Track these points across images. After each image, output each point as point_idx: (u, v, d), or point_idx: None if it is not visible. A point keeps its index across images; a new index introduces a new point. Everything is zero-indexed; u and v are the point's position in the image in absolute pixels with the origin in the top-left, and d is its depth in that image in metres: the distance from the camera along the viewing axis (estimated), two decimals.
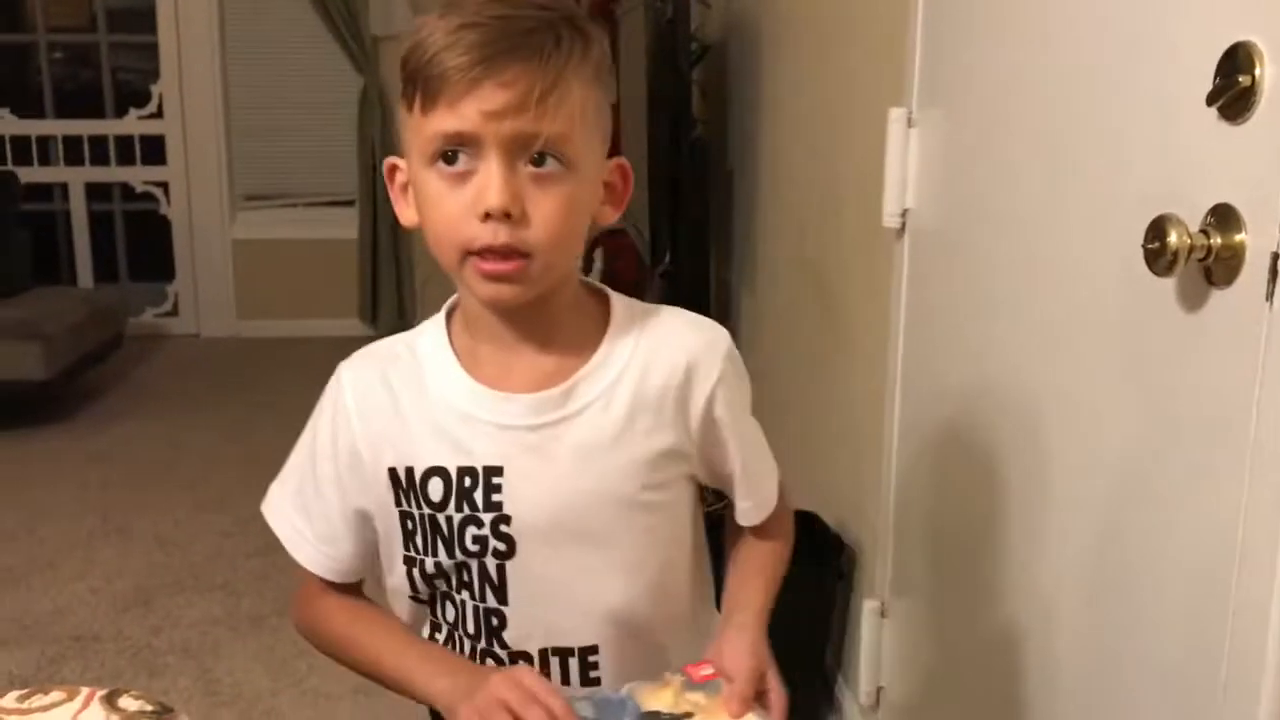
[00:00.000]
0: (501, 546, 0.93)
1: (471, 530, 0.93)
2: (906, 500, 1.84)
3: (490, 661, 0.96)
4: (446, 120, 0.84)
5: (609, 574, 0.95)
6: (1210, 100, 0.97)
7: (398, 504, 0.95)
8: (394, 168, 0.96)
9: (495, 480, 0.92)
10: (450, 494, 0.93)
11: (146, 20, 4.91)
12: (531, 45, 0.83)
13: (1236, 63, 0.94)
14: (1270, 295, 0.91)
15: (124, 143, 5.03)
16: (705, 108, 3.54)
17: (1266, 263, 0.91)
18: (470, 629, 0.97)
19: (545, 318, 0.93)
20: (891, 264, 1.83)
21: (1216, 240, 0.96)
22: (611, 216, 0.95)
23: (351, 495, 0.97)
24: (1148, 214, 1.01)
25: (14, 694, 0.61)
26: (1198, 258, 0.98)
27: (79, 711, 0.60)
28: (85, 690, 0.62)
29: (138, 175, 5.07)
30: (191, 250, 5.07)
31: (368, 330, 5.03)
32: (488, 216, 0.84)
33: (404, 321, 5.04)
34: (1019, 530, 1.41)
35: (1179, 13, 1.06)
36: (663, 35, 3.20)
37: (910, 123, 1.75)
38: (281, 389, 4.37)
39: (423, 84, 0.85)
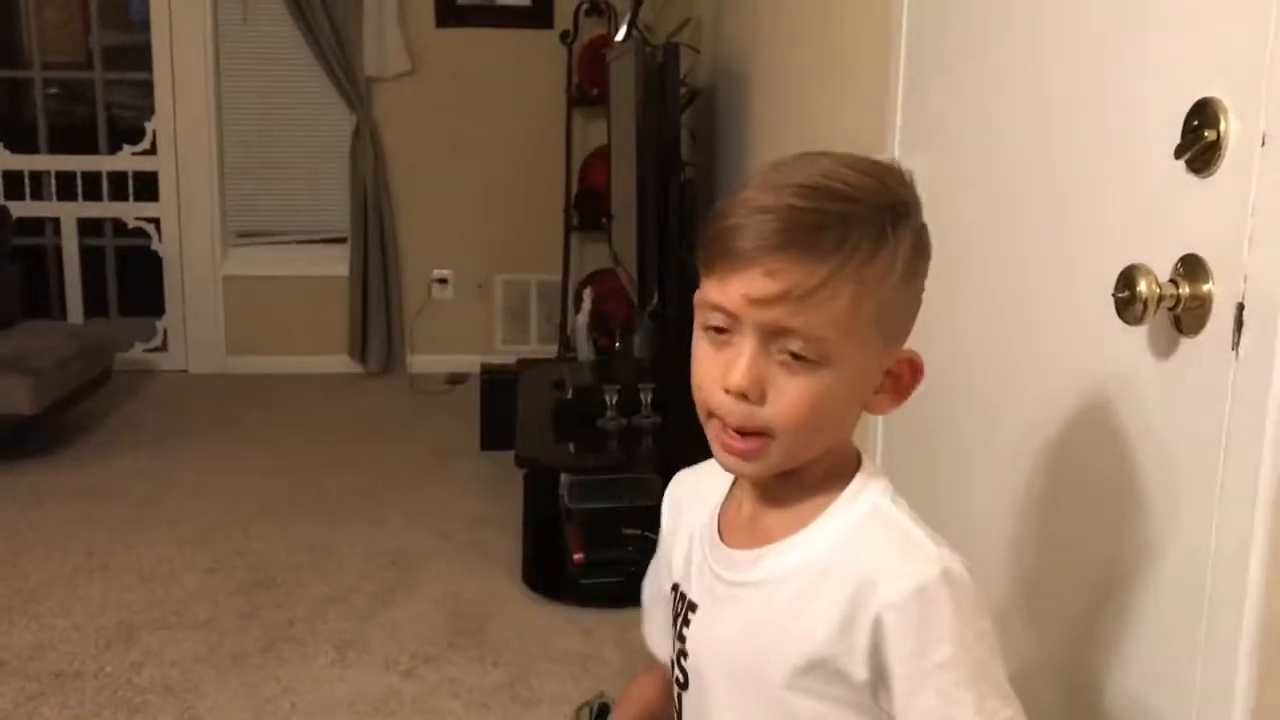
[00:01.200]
0: (681, 677, 1.00)
1: (678, 645, 1.02)
2: None
3: None
4: (716, 293, 0.88)
5: None
6: (1178, 153, 1.00)
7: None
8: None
9: (689, 615, 0.99)
10: (678, 611, 1.02)
11: (142, 57, 4.94)
12: (810, 242, 0.84)
13: (1203, 117, 0.97)
14: (1236, 345, 0.93)
15: (117, 179, 5.05)
16: (694, 151, 3.58)
17: (1232, 313, 0.94)
18: None
19: (789, 487, 0.94)
20: None
21: (1185, 290, 0.99)
22: (888, 407, 0.94)
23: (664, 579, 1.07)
24: (1118, 264, 1.03)
25: None
26: (1167, 307, 1.00)
27: None
28: None
29: (130, 211, 5.08)
30: (182, 286, 5.07)
31: (356, 367, 5.04)
32: (729, 391, 0.88)
33: (392, 358, 5.05)
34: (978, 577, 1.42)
35: (1149, 67, 1.08)
36: (652, 80, 3.24)
37: None
38: (269, 426, 4.37)
39: (708, 253, 0.89)
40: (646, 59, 3.08)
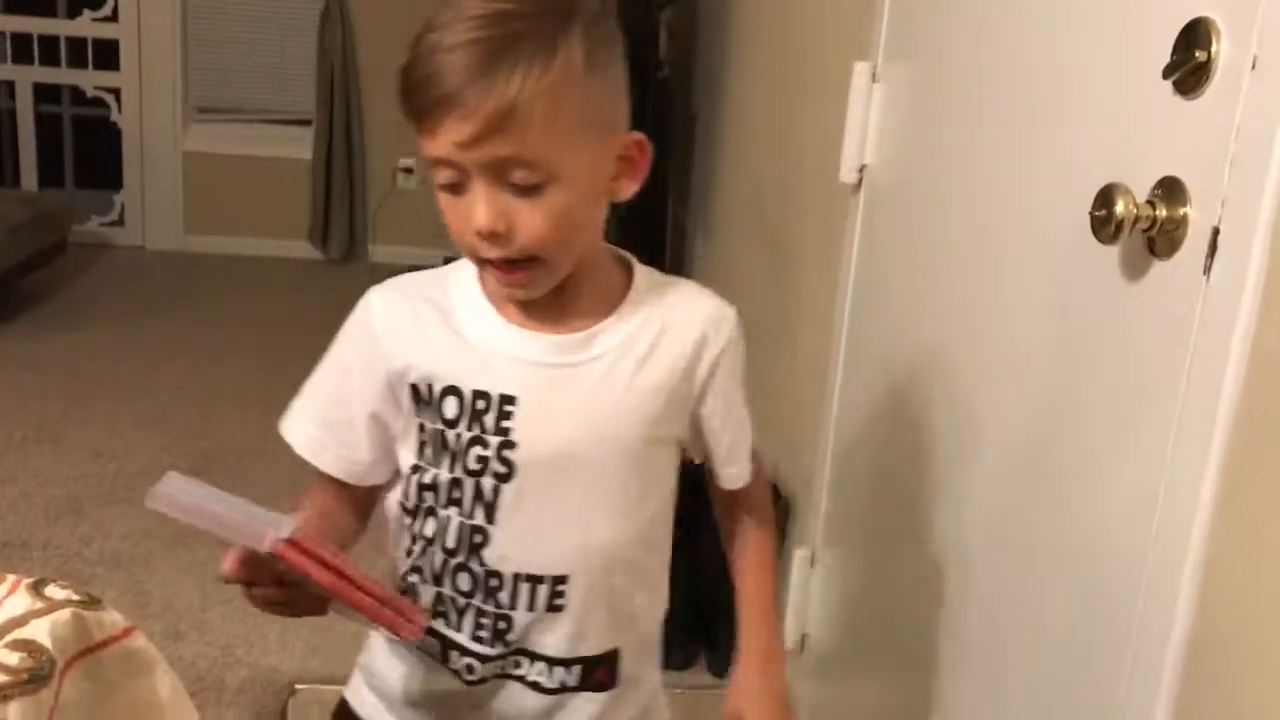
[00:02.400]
0: (502, 470, 0.98)
1: (476, 450, 0.98)
2: (843, 453, 1.87)
3: (464, 576, 1.01)
4: (432, 147, 0.90)
5: (597, 513, 1.00)
6: (1166, 74, 0.98)
7: (417, 415, 1.01)
8: None
9: (508, 408, 0.97)
10: (462, 414, 0.98)
11: None
12: (487, 71, 0.86)
13: (1194, 37, 0.96)
14: (1208, 270, 0.93)
15: (76, 44, 4.89)
16: (672, 50, 3.52)
17: (1207, 237, 0.93)
18: (450, 544, 1.01)
19: (566, 290, 0.98)
20: (845, 218, 1.84)
21: (1161, 212, 0.98)
22: (629, 190, 0.97)
23: (368, 401, 1.03)
24: (1098, 182, 1.02)
25: None
26: (1142, 228, 1.00)
27: (4, 597, 0.60)
28: (11, 578, 0.62)
29: (89, 79, 4.93)
30: (141, 160, 4.95)
31: (316, 254, 4.97)
32: (480, 235, 0.90)
33: (355, 247, 4.99)
34: (946, 488, 1.44)
35: None
36: None
37: (874, 78, 1.75)
38: (226, 306, 4.32)
39: (410, 110, 0.91)
40: None
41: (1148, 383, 1.02)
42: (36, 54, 4.87)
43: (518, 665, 1.04)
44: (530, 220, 0.90)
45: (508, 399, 0.97)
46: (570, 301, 0.99)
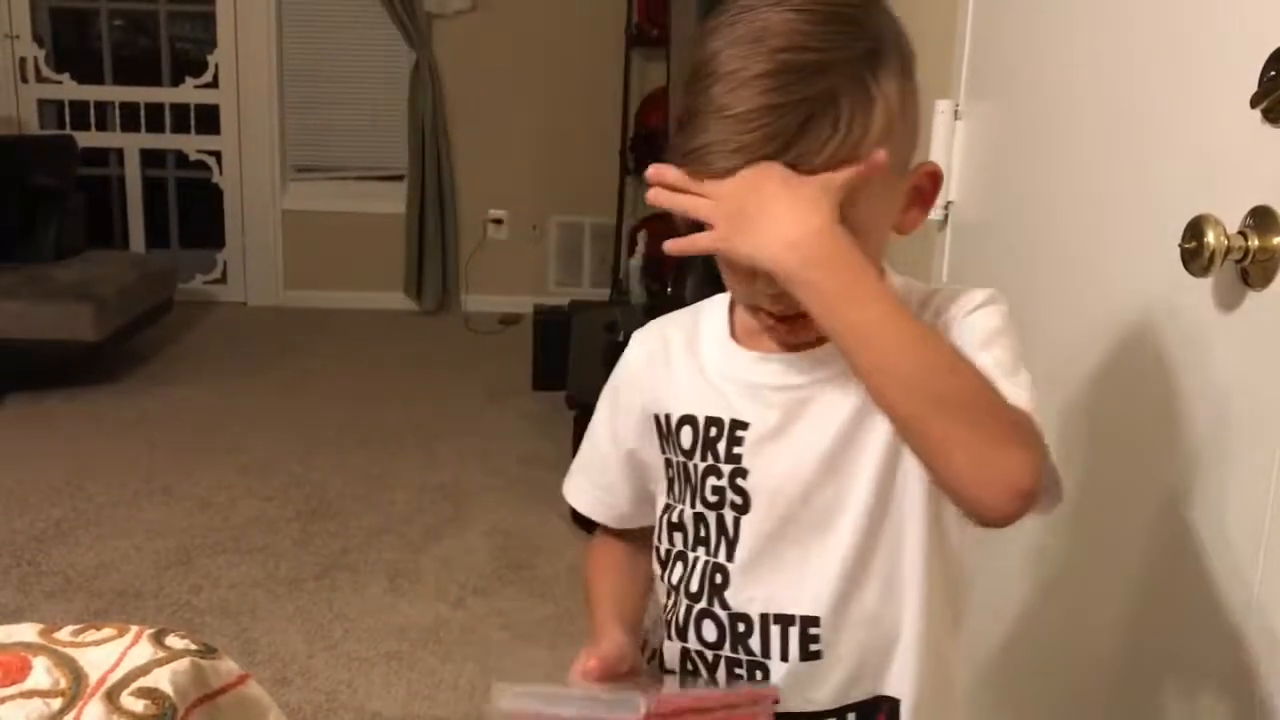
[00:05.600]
0: (738, 500, 0.92)
1: (712, 480, 0.93)
2: None
3: (709, 624, 0.94)
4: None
5: (835, 547, 0.91)
6: (1254, 102, 0.97)
7: (662, 450, 0.98)
8: None
9: (739, 434, 0.92)
10: (697, 442, 0.94)
11: None
12: (801, 140, 0.78)
13: None
14: None
15: (179, 111, 5.10)
16: None
17: None
18: (694, 588, 0.94)
19: None
20: (933, 256, 1.83)
21: (1254, 242, 0.97)
22: (919, 221, 0.91)
23: (623, 439, 1.02)
24: (1186, 214, 1.01)
25: (69, 628, 0.65)
26: (1234, 259, 0.98)
27: (129, 647, 0.63)
28: (134, 629, 0.65)
29: (191, 144, 5.14)
30: (241, 219, 5.14)
31: (411, 304, 5.08)
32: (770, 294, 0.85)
33: (447, 297, 5.09)
34: (1044, 522, 1.41)
35: (1226, 12, 1.06)
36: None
37: (957, 115, 1.75)
38: (326, 359, 4.43)
39: (694, 173, 0.83)
40: None
41: (1249, 415, 1.00)
42: (143, 121, 5.08)
43: None
44: None
45: (738, 424, 0.92)
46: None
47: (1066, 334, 1.38)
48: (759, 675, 0.91)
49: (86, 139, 4.85)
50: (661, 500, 0.99)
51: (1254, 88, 0.97)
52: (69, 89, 5.06)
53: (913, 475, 0.88)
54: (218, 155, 5.12)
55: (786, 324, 0.88)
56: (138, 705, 0.59)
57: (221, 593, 2.56)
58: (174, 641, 0.64)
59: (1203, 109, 1.08)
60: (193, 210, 5.33)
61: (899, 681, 0.92)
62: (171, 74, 5.16)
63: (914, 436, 0.79)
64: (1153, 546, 1.17)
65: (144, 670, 0.61)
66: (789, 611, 0.91)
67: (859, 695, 0.92)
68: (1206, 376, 1.07)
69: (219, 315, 5.00)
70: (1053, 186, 1.43)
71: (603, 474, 1.05)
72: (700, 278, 3.23)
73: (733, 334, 0.96)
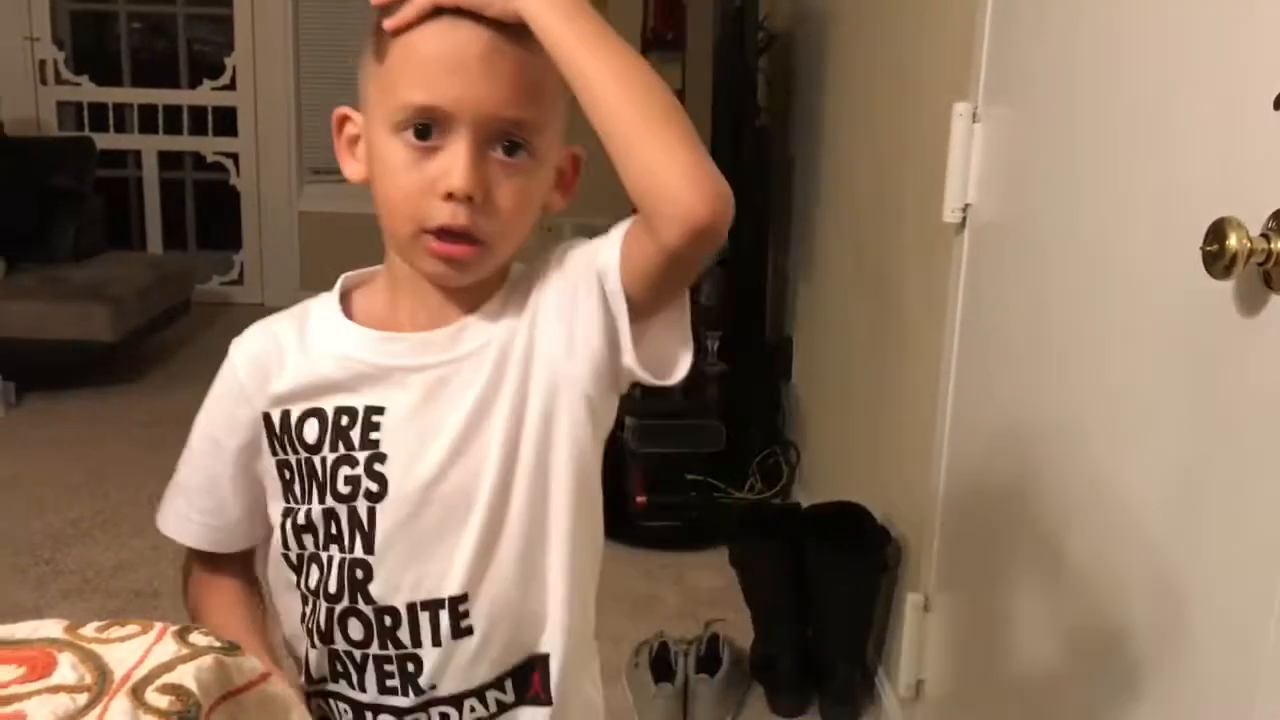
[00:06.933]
0: (374, 487, 0.89)
1: (345, 470, 0.89)
2: (955, 496, 1.85)
3: (354, 622, 0.91)
4: (423, 92, 0.82)
5: (474, 523, 0.89)
6: (1278, 104, 0.97)
7: (274, 452, 0.93)
8: (345, 118, 0.94)
9: (375, 419, 0.89)
10: (325, 434, 0.90)
11: None
12: (521, 37, 0.81)
13: None
14: None
15: (197, 113, 5.13)
16: (770, 96, 3.54)
17: None
18: (333, 588, 0.90)
19: (472, 292, 0.91)
20: (950, 259, 1.83)
21: (1276, 245, 0.97)
22: (560, 205, 0.92)
23: (233, 451, 0.95)
24: (1207, 216, 1.01)
25: (93, 624, 0.65)
26: (1257, 261, 0.98)
27: (153, 644, 0.63)
28: (159, 626, 0.66)
29: (209, 145, 5.16)
30: (259, 220, 5.16)
31: None
32: (450, 197, 0.83)
33: None
34: (1066, 529, 1.41)
35: (1248, 14, 1.05)
36: (731, 22, 3.21)
37: (975, 118, 1.75)
38: None
39: (401, 44, 0.83)
40: (725, 1, 3.05)
41: (1270, 418, 0.99)
42: (161, 123, 5.11)
43: (446, 716, 0.92)
44: (506, 195, 0.84)
45: (374, 409, 0.89)
46: (445, 300, 0.91)
47: (1086, 336, 1.38)
48: (411, 668, 0.90)
49: (105, 141, 4.88)
50: (279, 506, 0.94)
51: (1277, 89, 0.97)
52: (88, 91, 5.09)
53: (561, 432, 0.90)
54: (235, 157, 5.14)
55: (458, 250, 0.85)
56: (163, 701, 0.59)
57: None
58: (197, 639, 0.64)
59: (1225, 111, 1.08)
60: (210, 212, 5.36)
61: (549, 639, 0.93)
62: (189, 76, 5.19)
63: (634, 138, 0.81)
64: (1171, 551, 1.16)
65: (168, 667, 0.61)
66: (437, 595, 0.89)
67: (515, 660, 0.92)
68: (1227, 380, 1.07)
69: (236, 316, 5.00)
70: (1073, 189, 1.42)
71: (210, 494, 0.98)
72: (716, 282, 3.23)
73: (352, 320, 0.94)
